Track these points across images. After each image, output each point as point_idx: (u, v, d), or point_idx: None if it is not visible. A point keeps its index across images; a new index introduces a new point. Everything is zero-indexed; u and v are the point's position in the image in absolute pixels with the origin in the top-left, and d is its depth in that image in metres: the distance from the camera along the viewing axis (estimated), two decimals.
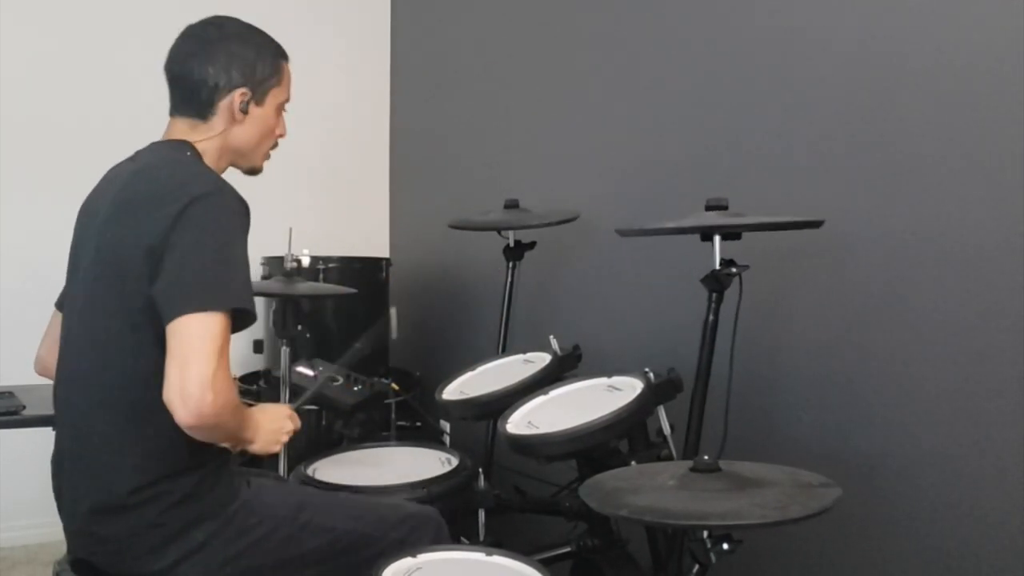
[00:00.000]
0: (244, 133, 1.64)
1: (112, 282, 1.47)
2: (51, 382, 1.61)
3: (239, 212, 1.49)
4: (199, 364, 1.34)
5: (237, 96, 1.61)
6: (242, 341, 3.07)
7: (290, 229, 2.44)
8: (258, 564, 1.53)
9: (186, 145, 1.60)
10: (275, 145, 1.73)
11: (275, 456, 2.19)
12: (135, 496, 1.45)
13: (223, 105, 1.60)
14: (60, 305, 1.71)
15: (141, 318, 1.43)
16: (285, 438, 1.64)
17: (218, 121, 1.61)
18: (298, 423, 1.66)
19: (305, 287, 2.39)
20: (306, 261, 2.43)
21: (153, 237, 1.41)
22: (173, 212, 1.42)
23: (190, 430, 1.37)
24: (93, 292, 1.51)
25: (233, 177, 1.59)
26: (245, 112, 1.62)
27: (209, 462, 1.52)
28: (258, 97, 1.64)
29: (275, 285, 2.43)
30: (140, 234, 1.43)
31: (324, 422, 2.80)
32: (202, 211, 1.43)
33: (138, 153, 1.64)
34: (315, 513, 1.59)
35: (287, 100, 1.71)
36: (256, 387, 3.06)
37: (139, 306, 1.43)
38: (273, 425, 1.61)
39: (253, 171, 1.73)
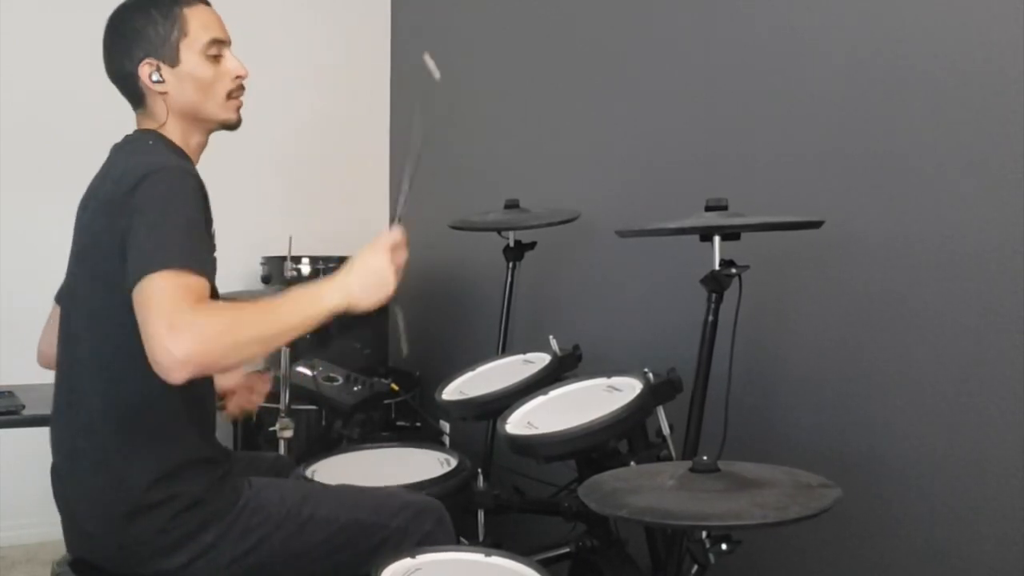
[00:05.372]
0: (182, 96, 1.60)
1: (95, 277, 1.49)
2: (52, 379, 1.61)
3: (183, 182, 1.45)
4: (154, 324, 1.27)
5: (144, 69, 1.58)
6: None
7: (290, 237, 2.42)
8: (264, 560, 1.54)
9: (148, 133, 1.61)
10: (239, 88, 1.65)
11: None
12: (150, 495, 1.46)
13: (144, 85, 1.59)
14: (59, 298, 1.71)
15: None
16: (392, 276, 1.50)
17: (153, 102, 1.60)
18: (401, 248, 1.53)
19: None
20: (306, 270, 2.43)
21: (118, 226, 1.41)
22: (125, 199, 1.41)
23: (200, 375, 1.29)
24: (81, 289, 1.53)
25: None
26: (160, 81, 1.58)
27: (219, 465, 1.55)
28: (168, 59, 1.58)
29: (274, 292, 2.42)
30: (108, 226, 1.44)
31: (324, 422, 2.80)
32: (146, 188, 1.41)
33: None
34: (317, 507, 1.59)
35: (215, 40, 1.61)
36: None
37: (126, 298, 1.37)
38: (367, 278, 1.48)
39: (226, 124, 1.66)
